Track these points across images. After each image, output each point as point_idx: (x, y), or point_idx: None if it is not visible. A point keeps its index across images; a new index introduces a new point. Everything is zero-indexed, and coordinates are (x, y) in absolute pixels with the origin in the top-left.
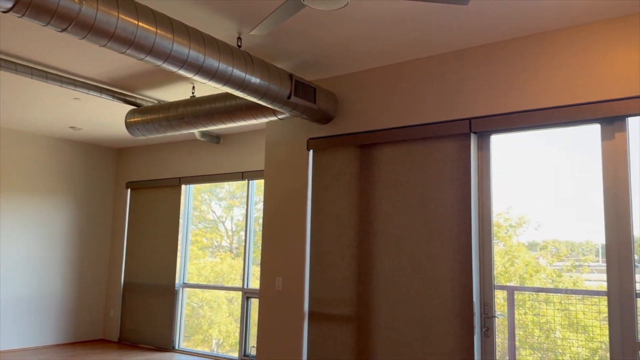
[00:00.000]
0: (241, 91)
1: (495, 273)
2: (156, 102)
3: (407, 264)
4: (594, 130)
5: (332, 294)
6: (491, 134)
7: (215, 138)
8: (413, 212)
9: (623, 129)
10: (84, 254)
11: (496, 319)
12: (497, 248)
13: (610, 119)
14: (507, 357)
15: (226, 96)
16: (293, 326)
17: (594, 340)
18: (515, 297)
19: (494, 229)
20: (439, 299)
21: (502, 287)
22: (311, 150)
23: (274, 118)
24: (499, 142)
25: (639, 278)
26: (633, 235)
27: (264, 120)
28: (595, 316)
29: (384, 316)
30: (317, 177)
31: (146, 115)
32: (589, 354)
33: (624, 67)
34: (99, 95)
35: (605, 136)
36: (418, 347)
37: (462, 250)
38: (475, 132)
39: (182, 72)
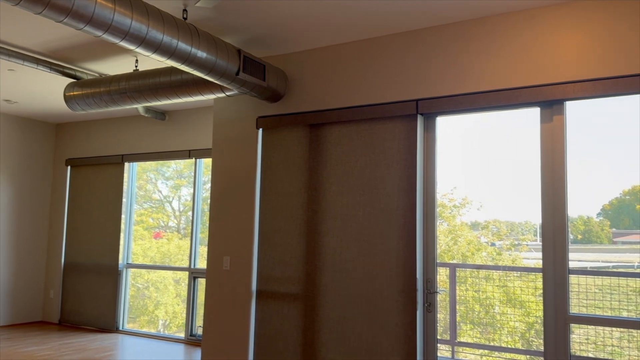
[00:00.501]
0: (187, 65)
1: (439, 251)
2: (97, 75)
3: (354, 242)
4: (534, 113)
5: (280, 272)
6: (437, 116)
7: (161, 114)
8: (361, 191)
9: (561, 112)
10: (21, 233)
11: (438, 294)
12: (442, 227)
13: (549, 102)
14: (449, 332)
15: (171, 70)
16: (240, 305)
17: (530, 315)
18: (457, 274)
19: (439, 209)
20: (384, 276)
21: (444, 265)
22: (260, 129)
23: (222, 95)
24: (444, 123)
25: (572, 256)
26: (567, 215)
27: (211, 96)
28: (532, 292)
29: (331, 293)
30: (266, 156)
31: (86, 89)
32: (525, 328)
33: (564, 52)
34: (36, 66)
35: (544, 119)
36: (363, 322)
37: (407, 229)
38: (421, 114)
39: (124, 43)
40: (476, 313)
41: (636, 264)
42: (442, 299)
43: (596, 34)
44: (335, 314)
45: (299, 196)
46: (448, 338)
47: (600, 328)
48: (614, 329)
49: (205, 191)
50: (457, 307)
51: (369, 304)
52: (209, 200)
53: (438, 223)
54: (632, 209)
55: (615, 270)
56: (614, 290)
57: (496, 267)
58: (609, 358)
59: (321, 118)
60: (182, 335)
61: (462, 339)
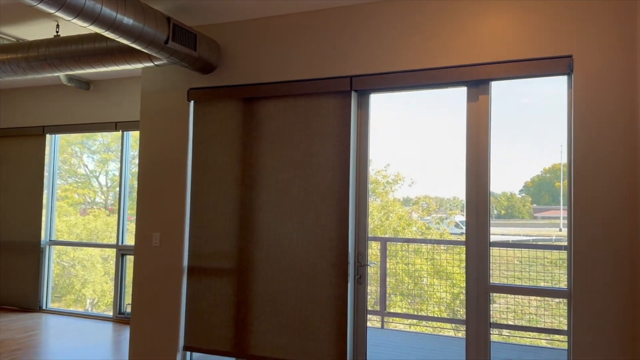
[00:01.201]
0: (112, 32)
1: (372, 226)
2: (14, 40)
3: (288, 217)
4: (462, 92)
5: (213, 248)
6: (370, 93)
7: (85, 84)
8: (296, 166)
9: (486, 92)
10: None
11: (369, 267)
12: (375, 203)
13: (475, 82)
14: (379, 303)
15: (95, 37)
16: (171, 282)
17: (456, 285)
18: (389, 248)
19: (372, 185)
20: (318, 250)
21: (376, 239)
22: (192, 101)
23: (150, 64)
24: (378, 101)
25: (495, 230)
26: (490, 191)
27: (138, 66)
28: (457, 264)
29: (265, 268)
30: (199, 129)
31: (2, 55)
32: (451, 298)
33: (490, 33)
34: None
35: (470, 98)
36: (297, 296)
37: (340, 204)
38: (355, 90)
39: (42, 7)
40: (406, 285)
41: (554, 237)
42: (373, 272)
43: (522, 15)
44: (269, 288)
45: (232, 171)
46: (378, 309)
47: (519, 298)
48: (532, 298)
49: (133, 166)
50: (388, 279)
51: (302, 278)
52: (137, 176)
53: (371, 199)
54: (551, 186)
55: (534, 243)
56: (532, 262)
57: (424, 240)
58: (526, 325)
59: (256, 92)
60: (110, 313)
61: (392, 310)
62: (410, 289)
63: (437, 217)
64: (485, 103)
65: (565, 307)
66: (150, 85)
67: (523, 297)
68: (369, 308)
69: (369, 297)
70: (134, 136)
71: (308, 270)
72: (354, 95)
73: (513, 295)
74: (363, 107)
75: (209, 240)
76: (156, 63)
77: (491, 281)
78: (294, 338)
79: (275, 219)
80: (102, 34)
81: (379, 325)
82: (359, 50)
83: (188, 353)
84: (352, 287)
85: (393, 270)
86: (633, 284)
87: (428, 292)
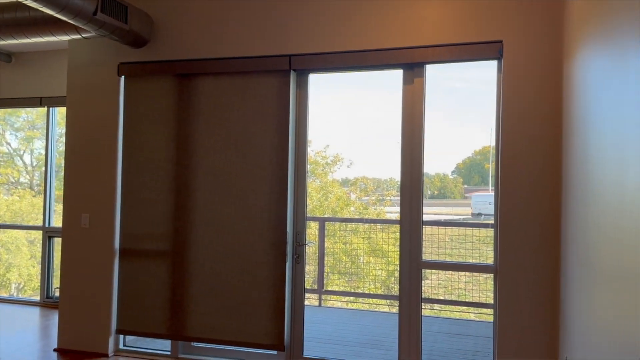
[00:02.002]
0: (34, 1)
1: (311, 207)
2: None
3: (226, 197)
4: (398, 75)
5: (147, 229)
6: (309, 73)
7: (6, 56)
8: (234, 146)
9: (421, 74)
10: None
11: (307, 247)
12: (314, 184)
13: (411, 65)
14: (317, 281)
15: (17, 6)
16: (102, 264)
17: (391, 263)
18: (327, 227)
19: (312, 166)
20: (256, 230)
21: (315, 218)
22: (123, 77)
23: (77, 36)
24: (317, 81)
25: (429, 209)
26: (423, 171)
27: (65, 38)
28: (393, 242)
29: (202, 249)
30: (130, 106)
31: None
32: (386, 275)
33: (426, 16)
34: None
35: (406, 81)
36: (235, 276)
37: (279, 184)
38: (294, 70)
39: None
40: (343, 263)
41: (483, 216)
42: (312, 251)
43: (457, 0)
44: (206, 269)
45: (167, 150)
46: (316, 287)
47: (450, 274)
48: (461, 274)
49: (60, 144)
50: (326, 258)
51: (241, 258)
52: (65, 154)
53: (310, 180)
54: (481, 167)
55: (464, 222)
56: (462, 240)
57: (360, 220)
58: (456, 299)
59: (190, 68)
60: (37, 298)
61: (330, 288)
62: (348, 267)
63: (375, 198)
64: (420, 86)
65: (492, 282)
66: (78, 59)
67: (453, 273)
68: (307, 287)
69: (307, 276)
70: (60, 112)
71: (246, 251)
72: (293, 74)
73: (444, 272)
74: (302, 87)
75: (142, 222)
76: (84, 35)
77: (423, 258)
78: (232, 319)
79: (213, 199)
80: (24, 2)
81: (317, 303)
82: (298, 29)
83: (121, 336)
84: (291, 267)
85: (331, 250)
86: (554, 260)
87: (365, 270)
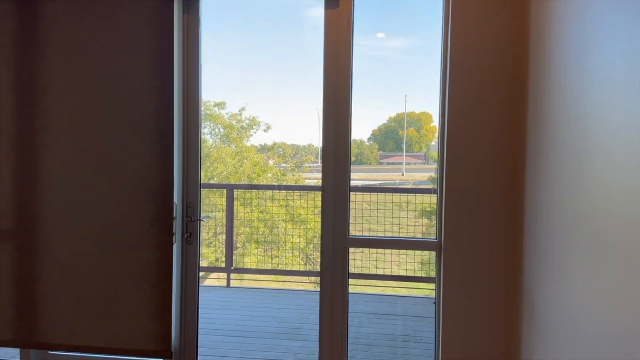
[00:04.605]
0: None
1: (225, 173)
2: None
3: (88, 157)
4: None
5: None
6: None
7: None
8: (96, 89)
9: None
10: None
11: (202, 222)
12: (229, 149)
13: None
14: (226, 259)
15: None
16: None
17: (310, 230)
18: (244, 196)
19: (226, 130)
20: (130, 202)
21: (220, 186)
22: None
23: None
24: (211, 8)
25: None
26: (350, 136)
27: None
28: (312, 210)
29: (57, 229)
30: None
31: None
32: (305, 243)
33: None
34: None
35: (329, 3)
36: (103, 263)
37: (161, 141)
38: None
39: None
40: (261, 233)
41: (397, 181)
42: (218, 223)
43: None
44: (63, 254)
45: (3, 95)
46: (223, 266)
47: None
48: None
49: None
50: (242, 228)
51: (110, 238)
52: None
53: (225, 145)
54: (396, 133)
55: (401, 187)
56: (380, 206)
57: (271, 187)
58: (385, 273)
59: None
60: None
61: (247, 259)
62: (266, 236)
63: (293, 164)
64: (348, 10)
65: (426, 254)
66: None
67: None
68: (213, 265)
69: (213, 254)
70: None
71: (118, 229)
72: None
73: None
74: (191, 11)
75: None
76: None
77: (351, 234)
78: (100, 319)
79: (70, 160)
80: None
81: (225, 283)
82: None
83: None
84: (180, 249)
85: (248, 219)
86: (507, 233)
87: (283, 238)
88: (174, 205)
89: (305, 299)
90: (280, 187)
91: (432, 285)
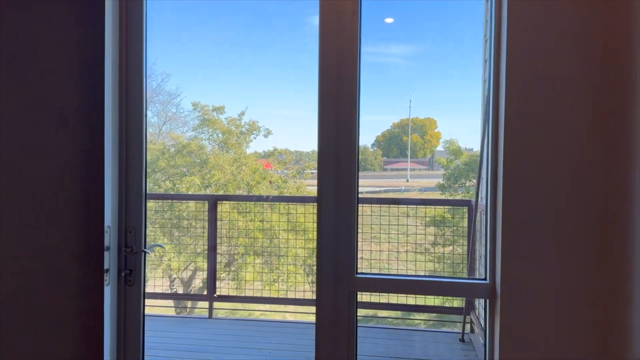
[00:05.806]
0: None
1: (223, 181)
2: None
3: None
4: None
5: None
6: None
7: None
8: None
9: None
10: None
11: (147, 254)
12: (227, 155)
13: None
14: (208, 285)
15: None
16: None
17: (312, 240)
18: (242, 206)
19: (225, 136)
20: (44, 224)
21: (199, 197)
22: None
23: None
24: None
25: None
26: (358, 143)
27: None
28: (312, 218)
29: None
30: None
31: None
32: (308, 254)
33: None
34: None
35: None
36: (5, 319)
37: (91, 140)
38: None
39: None
40: (260, 243)
41: (402, 187)
42: (201, 242)
43: None
44: None
45: None
46: (205, 293)
47: (385, 252)
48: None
49: None
50: (240, 239)
51: (13, 281)
52: None
53: (223, 151)
54: (400, 139)
55: (403, 198)
56: (384, 212)
57: (260, 198)
58: (396, 302)
59: None
60: None
61: (242, 274)
62: (265, 247)
63: (294, 171)
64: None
65: (485, 308)
66: None
67: (391, 246)
68: (194, 292)
69: (197, 279)
70: None
71: (25, 266)
72: None
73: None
74: None
75: None
76: None
77: (358, 271)
78: None
79: None
80: None
81: (207, 314)
82: None
83: None
84: (115, 293)
85: (247, 229)
86: (605, 273)
87: (284, 248)
88: (105, 229)
89: (304, 332)
90: (269, 199)
91: (453, 317)
